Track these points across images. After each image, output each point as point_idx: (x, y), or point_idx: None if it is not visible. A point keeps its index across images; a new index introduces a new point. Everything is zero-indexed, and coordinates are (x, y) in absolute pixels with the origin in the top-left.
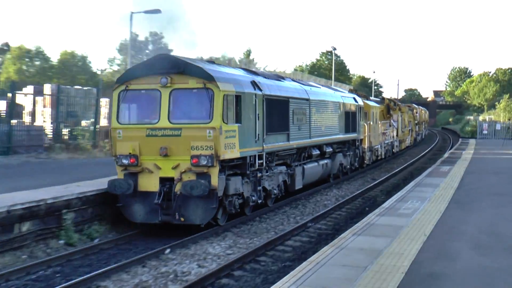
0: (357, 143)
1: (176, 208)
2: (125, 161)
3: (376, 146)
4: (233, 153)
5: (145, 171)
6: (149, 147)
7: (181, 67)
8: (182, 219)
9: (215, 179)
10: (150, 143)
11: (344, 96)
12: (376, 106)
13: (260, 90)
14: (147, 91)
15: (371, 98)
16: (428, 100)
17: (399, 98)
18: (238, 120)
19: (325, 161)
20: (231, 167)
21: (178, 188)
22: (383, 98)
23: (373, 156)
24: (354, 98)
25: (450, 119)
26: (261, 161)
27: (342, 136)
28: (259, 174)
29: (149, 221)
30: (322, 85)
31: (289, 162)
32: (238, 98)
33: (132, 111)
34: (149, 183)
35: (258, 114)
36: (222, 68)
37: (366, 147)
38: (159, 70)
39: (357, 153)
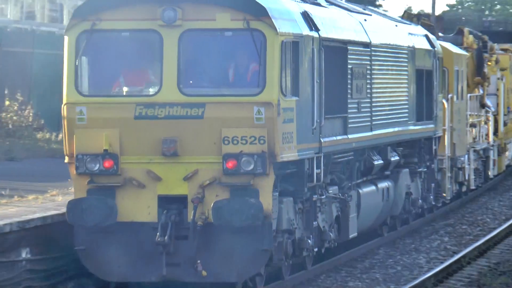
0: (433, 147)
1: (194, 254)
2: (92, 166)
3: (462, 158)
4: (290, 152)
5: (130, 184)
6: (139, 140)
7: None
8: (204, 272)
9: (269, 197)
10: (142, 132)
11: (412, 34)
12: (462, 55)
13: (317, 30)
14: (135, 32)
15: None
16: None
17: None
18: (295, 89)
19: (386, 183)
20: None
21: (193, 214)
22: (461, 31)
23: (454, 182)
24: (426, 37)
25: None
26: (319, 170)
27: (415, 129)
28: (314, 197)
29: (138, 279)
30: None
31: (339, 179)
32: (295, 47)
33: (105, 71)
34: (138, 207)
35: (315, 78)
36: None
37: (445, 157)
38: None
39: (434, 172)
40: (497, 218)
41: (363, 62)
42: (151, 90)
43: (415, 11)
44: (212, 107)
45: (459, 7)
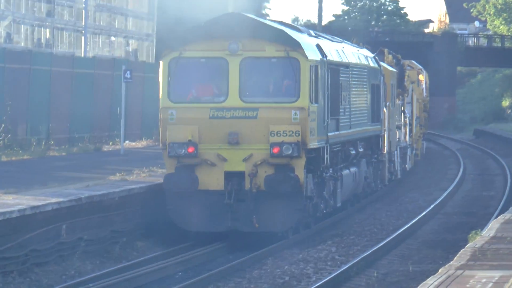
0: (380, 142)
1: (250, 211)
2: (180, 151)
3: (394, 152)
4: (313, 142)
5: (206, 163)
6: (212, 133)
7: (256, 30)
8: (256, 225)
9: (302, 173)
10: (214, 128)
11: (367, 56)
12: (393, 72)
13: (325, 56)
14: (210, 59)
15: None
16: (427, 33)
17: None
18: (316, 98)
19: (354, 168)
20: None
21: (249, 184)
22: (382, 51)
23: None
24: (375, 58)
25: (506, 101)
26: (327, 155)
27: (370, 128)
28: (324, 175)
29: (211, 229)
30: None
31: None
32: (316, 69)
33: (189, 85)
34: (211, 179)
35: (326, 91)
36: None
37: (385, 152)
38: (227, 33)
39: (380, 162)
40: (384, 228)
41: (346, 78)
42: (221, 99)
43: (301, 21)
44: (263, 110)
45: (346, 17)
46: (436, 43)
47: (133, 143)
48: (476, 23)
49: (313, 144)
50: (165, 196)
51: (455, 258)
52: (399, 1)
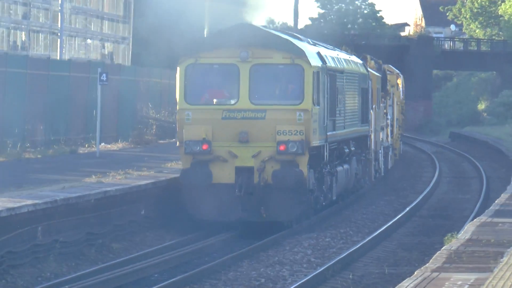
0: (368, 142)
1: (258, 203)
2: (195, 148)
3: (379, 151)
4: (315, 140)
5: (218, 159)
6: (224, 132)
7: (264, 39)
8: (264, 215)
9: (305, 168)
10: (226, 127)
11: (357, 63)
12: (378, 76)
13: (325, 63)
14: (223, 65)
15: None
16: (403, 36)
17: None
18: (317, 101)
19: (346, 165)
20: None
21: (257, 178)
22: (365, 57)
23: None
24: (363, 64)
25: (482, 105)
26: (326, 153)
27: (360, 129)
28: (323, 170)
29: (223, 219)
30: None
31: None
32: (317, 74)
33: (203, 89)
34: (223, 174)
35: (325, 94)
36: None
37: (372, 151)
38: (238, 42)
39: (367, 160)
40: (360, 231)
41: (341, 83)
42: (232, 101)
43: (277, 23)
44: (271, 112)
45: (322, 20)
46: (412, 47)
47: (109, 145)
48: (452, 27)
49: (315, 142)
50: (181, 189)
51: (431, 260)
52: (375, 4)
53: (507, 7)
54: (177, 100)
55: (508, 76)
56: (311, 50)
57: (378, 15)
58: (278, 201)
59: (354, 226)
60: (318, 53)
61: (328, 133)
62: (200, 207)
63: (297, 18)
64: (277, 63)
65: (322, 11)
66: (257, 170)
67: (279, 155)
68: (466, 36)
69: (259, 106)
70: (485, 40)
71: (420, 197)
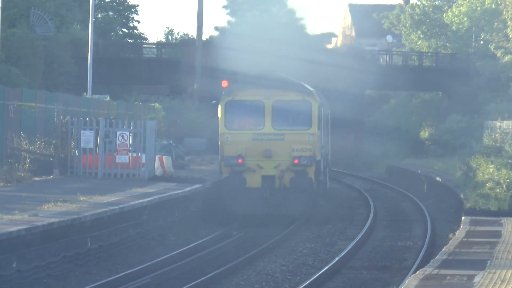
0: (328, 160)
1: (278, 201)
2: (233, 162)
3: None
4: (318, 156)
5: (249, 170)
6: (254, 150)
7: (282, 83)
8: (283, 210)
9: (313, 176)
10: (255, 146)
11: (324, 97)
12: (327, 106)
13: (320, 99)
14: (252, 101)
15: None
16: (330, 49)
17: None
18: (319, 127)
19: (325, 175)
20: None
21: (278, 183)
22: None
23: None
24: (326, 97)
25: (425, 132)
26: (322, 165)
27: (328, 148)
28: (320, 178)
29: (253, 213)
30: None
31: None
32: (319, 107)
33: (238, 118)
34: (253, 180)
35: (322, 122)
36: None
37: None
38: (264, 84)
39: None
40: (279, 287)
41: (323, 114)
42: (259, 127)
43: (176, 34)
44: (288, 135)
45: (230, 32)
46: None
47: None
48: (389, 38)
49: (318, 157)
50: (223, 192)
51: None
52: (296, 11)
53: (454, 14)
54: (219, 127)
55: (456, 97)
56: (315, 91)
57: (299, 23)
58: (293, 200)
59: (271, 280)
60: (316, 92)
61: (322, 150)
62: (236, 205)
63: (201, 28)
64: (292, 100)
65: (231, 19)
66: (277, 178)
67: (294, 167)
68: (406, 49)
69: (279, 130)
70: (429, 54)
71: (352, 244)
